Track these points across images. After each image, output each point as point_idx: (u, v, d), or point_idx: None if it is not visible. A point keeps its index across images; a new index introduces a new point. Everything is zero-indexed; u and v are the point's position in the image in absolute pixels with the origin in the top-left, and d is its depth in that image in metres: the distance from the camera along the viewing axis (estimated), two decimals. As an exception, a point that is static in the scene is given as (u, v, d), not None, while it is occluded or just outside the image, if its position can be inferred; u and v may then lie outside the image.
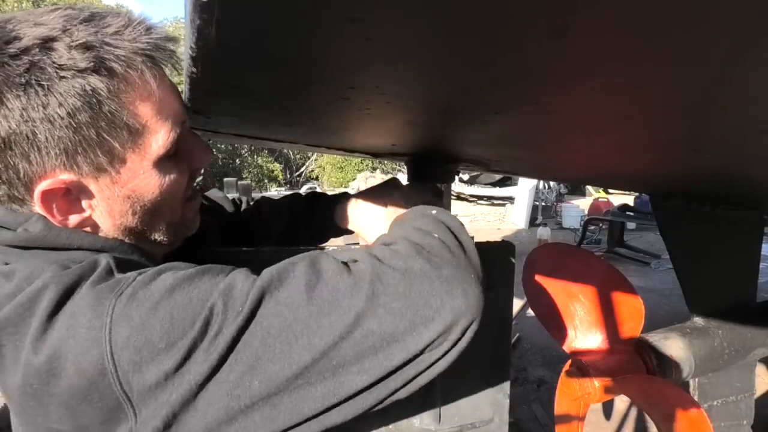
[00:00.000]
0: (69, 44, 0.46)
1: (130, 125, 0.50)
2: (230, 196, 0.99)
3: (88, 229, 0.55)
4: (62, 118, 0.46)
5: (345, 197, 0.90)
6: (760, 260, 1.43)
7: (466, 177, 11.46)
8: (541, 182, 10.54)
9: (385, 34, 0.33)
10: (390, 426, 0.88)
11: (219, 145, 15.72)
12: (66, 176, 0.50)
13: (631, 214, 6.56)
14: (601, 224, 7.70)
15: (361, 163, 17.62)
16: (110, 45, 0.48)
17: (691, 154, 0.69)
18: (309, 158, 20.93)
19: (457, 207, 11.05)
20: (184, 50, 0.41)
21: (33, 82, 0.45)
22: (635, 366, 1.17)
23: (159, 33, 0.52)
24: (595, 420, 2.49)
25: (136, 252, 0.57)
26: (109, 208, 0.54)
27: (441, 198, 0.91)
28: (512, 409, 1.00)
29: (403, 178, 1.03)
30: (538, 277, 1.30)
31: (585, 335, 1.25)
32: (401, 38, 0.33)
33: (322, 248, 0.85)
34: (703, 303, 1.30)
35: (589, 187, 11.86)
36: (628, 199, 8.26)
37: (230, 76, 0.47)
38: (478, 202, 11.74)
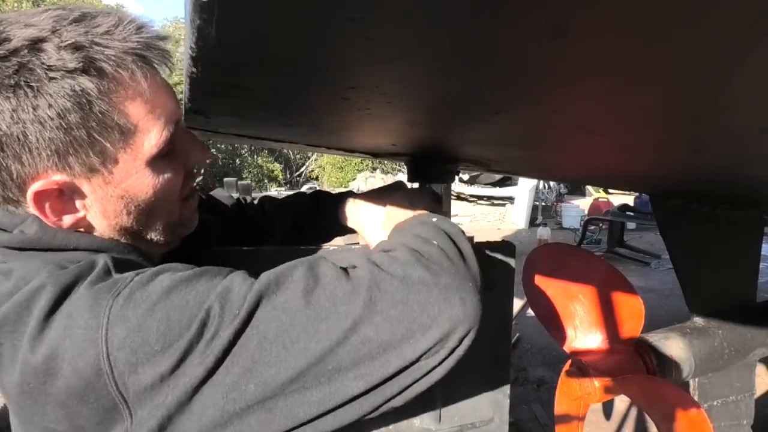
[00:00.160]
0: (58, 45, 0.46)
1: (121, 125, 0.50)
2: (234, 195, 0.99)
3: (82, 229, 0.54)
4: (52, 119, 0.46)
5: (349, 196, 0.90)
6: (760, 260, 1.43)
7: (466, 177, 11.46)
8: (541, 182, 10.54)
9: (385, 34, 0.33)
10: (390, 426, 0.88)
11: (219, 145, 15.72)
12: (58, 177, 0.50)
13: (631, 214, 6.56)
14: (601, 224, 7.70)
15: (361, 163, 17.62)
16: (100, 45, 0.48)
17: (691, 154, 0.69)
18: (309, 158, 20.93)
19: (457, 207, 11.05)
20: (184, 50, 0.41)
21: (22, 83, 0.45)
22: (635, 366, 1.17)
23: (150, 32, 0.52)
24: (595, 420, 2.49)
25: (133, 252, 0.57)
26: (103, 208, 0.53)
27: (440, 204, 0.91)
28: (512, 409, 1.00)
29: (403, 178, 1.03)
30: (538, 277, 1.30)
31: (585, 335, 1.25)
32: (401, 38, 0.33)
33: (322, 248, 0.85)
34: (703, 303, 1.30)
35: (589, 187, 11.86)
36: (628, 199, 8.26)
37: (230, 76, 0.47)
38: (478, 202, 11.74)
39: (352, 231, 0.92)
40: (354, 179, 16.38)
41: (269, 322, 0.45)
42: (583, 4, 0.27)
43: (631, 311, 1.24)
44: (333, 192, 0.95)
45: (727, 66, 0.33)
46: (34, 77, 0.45)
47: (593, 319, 1.25)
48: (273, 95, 0.56)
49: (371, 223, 0.83)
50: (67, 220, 0.53)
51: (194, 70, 0.42)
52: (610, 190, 10.46)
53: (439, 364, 0.48)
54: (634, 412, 2.59)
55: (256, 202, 0.99)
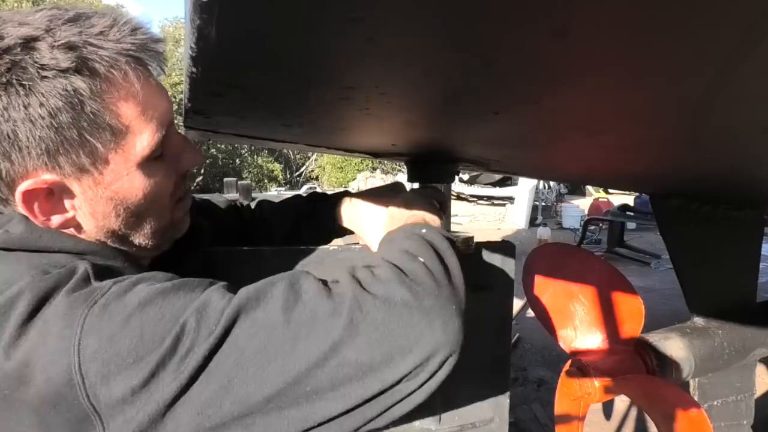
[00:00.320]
0: (51, 44, 0.46)
1: (113, 126, 0.50)
2: (232, 198, 0.99)
3: (71, 229, 0.54)
4: (43, 118, 0.46)
5: (346, 196, 0.90)
6: (760, 260, 1.43)
7: (466, 177, 11.45)
8: (541, 182, 10.54)
9: (385, 34, 0.33)
10: (389, 427, 0.88)
11: (219, 145, 15.73)
12: (48, 176, 0.49)
13: (631, 214, 6.56)
14: (601, 224, 7.70)
15: (361, 163, 17.62)
16: (94, 45, 0.47)
17: (691, 154, 0.69)
18: (309, 158, 20.93)
19: (457, 207, 11.05)
20: (184, 50, 0.40)
21: (14, 81, 0.45)
22: (635, 366, 1.17)
23: (145, 34, 0.51)
24: (595, 420, 2.49)
25: (120, 256, 0.57)
26: (92, 209, 0.53)
27: (445, 203, 0.89)
28: (512, 409, 1.00)
29: (402, 178, 1.03)
30: (538, 277, 1.30)
31: (585, 335, 1.25)
32: (402, 38, 0.33)
33: (321, 248, 0.85)
34: (703, 303, 1.30)
35: (589, 187, 11.86)
36: (628, 199, 8.26)
37: (230, 76, 0.47)
38: (478, 202, 11.74)
39: (350, 232, 0.92)
40: (354, 179, 16.38)
41: (247, 339, 0.44)
42: (583, 4, 0.27)
43: (631, 311, 1.24)
44: (330, 193, 0.95)
45: (728, 66, 0.33)
46: (27, 76, 0.45)
47: (593, 319, 1.25)
48: (273, 95, 0.56)
49: (369, 225, 0.83)
50: (56, 220, 0.52)
51: (194, 70, 0.42)
52: (610, 190, 10.46)
53: (420, 387, 0.47)
54: (634, 412, 2.59)
55: (253, 205, 0.99)
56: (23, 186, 0.49)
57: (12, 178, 0.49)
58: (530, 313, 2.20)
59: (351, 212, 0.87)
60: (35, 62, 0.45)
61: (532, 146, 0.84)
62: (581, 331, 1.25)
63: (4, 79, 0.45)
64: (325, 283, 0.50)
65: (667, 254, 1.46)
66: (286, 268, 0.83)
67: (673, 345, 1.19)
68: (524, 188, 9.87)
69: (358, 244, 0.88)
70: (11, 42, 0.45)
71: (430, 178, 1.04)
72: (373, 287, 0.49)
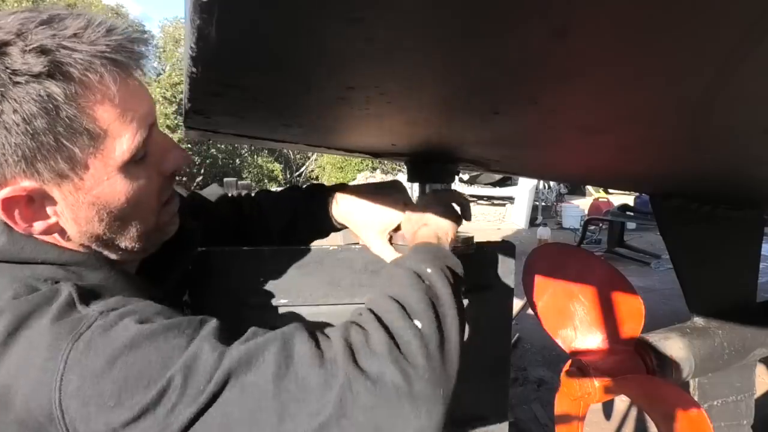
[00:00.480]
0: (23, 48, 0.45)
1: (90, 130, 0.49)
2: (230, 193, 0.99)
3: (56, 235, 0.54)
4: (18, 125, 0.45)
5: (342, 190, 0.89)
6: (760, 260, 1.43)
7: (466, 177, 11.45)
8: (541, 182, 10.54)
9: (385, 34, 0.33)
10: None
11: (219, 145, 15.71)
12: (27, 183, 0.49)
13: (631, 214, 6.56)
14: (601, 224, 7.70)
15: (361, 163, 17.61)
16: (67, 48, 0.46)
17: (691, 154, 0.69)
18: (309, 158, 20.93)
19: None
20: (184, 50, 0.40)
21: None
22: (635, 366, 1.17)
23: (121, 34, 0.50)
24: (595, 420, 2.49)
25: (105, 266, 0.56)
26: (75, 214, 0.52)
27: (466, 206, 0.85)
28: (512, 409, 1.00)
29: (403, 178, 1.03)
30: (538, 277, 1.30)
31: (585, 335, 1.25)
32: (402, 38, 0.33)
33: (321, 248, 0.85)
34: (703, 303, 1.30)
35: (589, 187, 11.86)
36: (628, 199, 8.25)
37: (230, 76, 0.47)
38: (478, 202, 11.73)
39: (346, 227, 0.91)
40: (354, 179, 16.37)
41: (235, 405, 0.44)
42: (583, 4, 0.27)
43: (631, 311, 1.24)
44: (329, 186, 0.93)
45: (728, 66, 0.33)
46: None
47: (593, 319, 1.25)
48: (273, 95, 0.56)
49: (368, 225, 0.83)
50: (38, 226, 0.52)
51: (194, 70, 0.42)
52: (610, 190, 10.46)
53: None
54: (634, 412, 2.59)
55: (253, 194, 0.98)
56: (2, 194, 0.48)
57: None
58: (530, 313, 2.20)
59: (346, 207, 0.87)
60: (7, 68, 0.44)
61: (532, 146, 0.84)
62: (581, 331, 1.25)
63: None
64: (317, 342, 0.50)
65: (667, 254, 1.46)
66: (285, 268, 0.83)
67: (673, 345, 1.19)
68: (524, 188, 9.87)
69: (357, 244, 0.88)
70: None
71: (430, 178, 1.04)
72: (366, 362, 0.48)
